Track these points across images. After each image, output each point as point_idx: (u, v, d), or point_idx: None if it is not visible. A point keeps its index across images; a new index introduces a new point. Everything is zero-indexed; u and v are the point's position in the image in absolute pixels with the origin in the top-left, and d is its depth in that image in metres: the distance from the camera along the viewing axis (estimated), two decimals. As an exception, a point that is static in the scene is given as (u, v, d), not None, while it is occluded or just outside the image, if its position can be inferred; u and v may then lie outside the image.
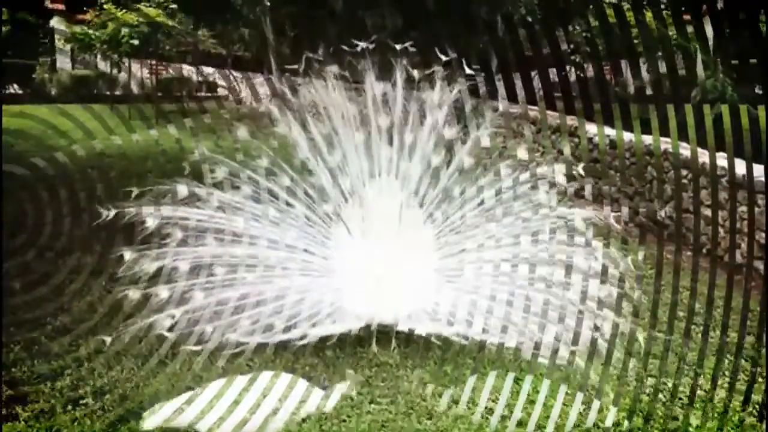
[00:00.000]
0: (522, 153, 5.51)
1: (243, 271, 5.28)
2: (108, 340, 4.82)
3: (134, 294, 5.01)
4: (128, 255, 5.09)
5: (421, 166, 5.48)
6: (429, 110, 5.46)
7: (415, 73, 5.45)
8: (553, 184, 5.40)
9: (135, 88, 20.83)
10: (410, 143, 5.48)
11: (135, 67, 20.43)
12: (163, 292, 5.03)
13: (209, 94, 21.67)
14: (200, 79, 22.18)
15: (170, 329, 4.91)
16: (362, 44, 5.33)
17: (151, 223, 5.16)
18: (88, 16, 17.73)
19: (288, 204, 5.51)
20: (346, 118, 5.47)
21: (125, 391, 4.58)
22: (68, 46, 20.89)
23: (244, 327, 5.06)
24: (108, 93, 19.67)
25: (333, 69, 5.42)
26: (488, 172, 5.51)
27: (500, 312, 5.17)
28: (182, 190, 5.29)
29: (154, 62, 19.56)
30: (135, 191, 5.20)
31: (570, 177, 5.45)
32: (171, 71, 20.66)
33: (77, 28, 18.36)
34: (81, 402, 4.43)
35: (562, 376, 4.84)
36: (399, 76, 5.43)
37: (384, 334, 5.19)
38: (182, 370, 4.82)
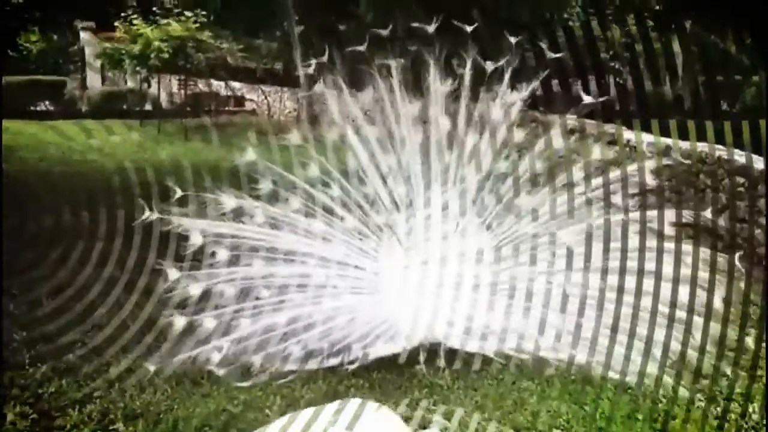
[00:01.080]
0: (597, 153, 4.98)
1: (291, 292, 4.89)
2: (152, 368, 4.39)
3: (180, 321, 4.59)
4: (173, 273, 4.69)
5: (482, 171, 5.03)
6: (497, 109, 5.01)
7: (488, 64, 5.00)
8: (631, 187, 4.89)
9: (164, 103, 20.77)
10: (472, 147, 5.02)
11: (164, 83, 20.42)
12: (209, 321, 4.64)
13: (238, 108, 21.62)
14: (229, 93, 22.12)
15: (219, 363, 4.51)
16: (428, 27, 4.92)
17: (196, 239, 4.78)
18: (117, 33, 17.61)
19: (338, 216, 5.09)
20: (404, 120, 5.04)
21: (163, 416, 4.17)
22: (98, 62, 20.87)
23: (293, 354, 4.67)
24: (138, 108, 19.60)
25: (394, 63, 5.01)
26: (558, 177, 5.00)
27: (568, 326, 4.73)
28: (228, 201, 4.90)
29: (182, 77, 19.50)
30: (177, 191, 4.82)
31: (653, 175, 4.92)
32: (200, 86, 20.58)
33: (107, 44, 18.29)
34: (111, 428, 4.02)
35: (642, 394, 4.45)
36: (467, 69, 4.98)
37: (434, 352, 4.77)
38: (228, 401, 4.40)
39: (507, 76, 4.96)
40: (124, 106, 20.20)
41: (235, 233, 4.87)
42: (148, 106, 20.30)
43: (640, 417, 4.32)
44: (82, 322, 5.06)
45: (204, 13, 16.58)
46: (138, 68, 17.92)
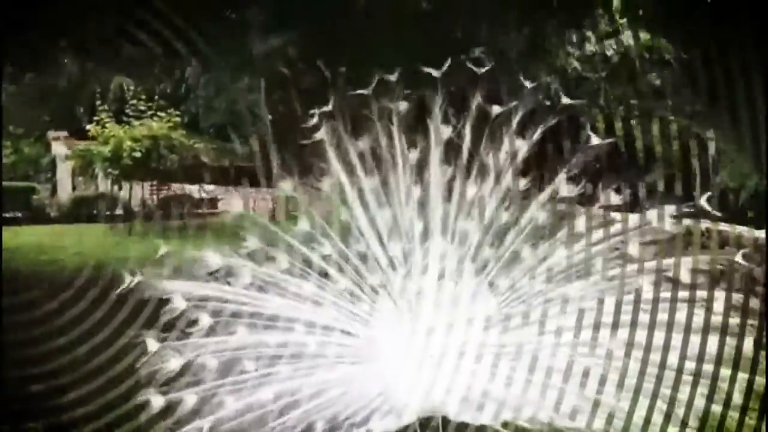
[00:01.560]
0: (609, 198, 4.61)
1: (279, 363, 4.43)
2: None
3: (157, 401, 4.11)
4: (152, 344, 4.23)
5: (483, 224, 4.68)
6: (500, 156, 4.69)
7: (494, 108, 4.71)
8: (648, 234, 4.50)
9: (135, 207, 20.37)
10: (472, 197, 4.68)
11: (136, 187, 20.12)
12: (190, 398, 4.15)
13: (212, 210, 21.28)
14: (203, 195, 21.84)
15: None
16: (434, 71, 4.65)
17: (179, 303, 4.34)
18: (90, 132, 17.40)
19: (327, 277, 4.69)
20: (401, 169, 4.73)
21: None
22: (69, 166, 20.57)
23: None
24: (108, 213, 19.17)
25: (395, 107, 4.72)
26: (566, 227, 4.64)
27: (581, 390, 4.30)
28: (213, 259, 4.48)
29: (154, 183, 19.25)
30: (162, 248, 4.46)
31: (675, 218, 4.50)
32: (173, 189, 20.30)
33: (80, 145, 18.06)
34: None
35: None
36: (470, 114, 4.70)
37: (435, 428, 4.33)
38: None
39: (515, 121, 4.67)
40: (94, 211, 19.77)
41: (219, 296, 4.44)
42: (118, 211, 19.90)
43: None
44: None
45: (177, 113, 16.47)
46: (110, 170, 17.59)
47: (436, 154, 4.67)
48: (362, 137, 4.75)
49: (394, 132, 4.70)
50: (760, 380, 4.16)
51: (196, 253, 4.50)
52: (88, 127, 17.55)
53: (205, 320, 4.38)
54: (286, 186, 4.77)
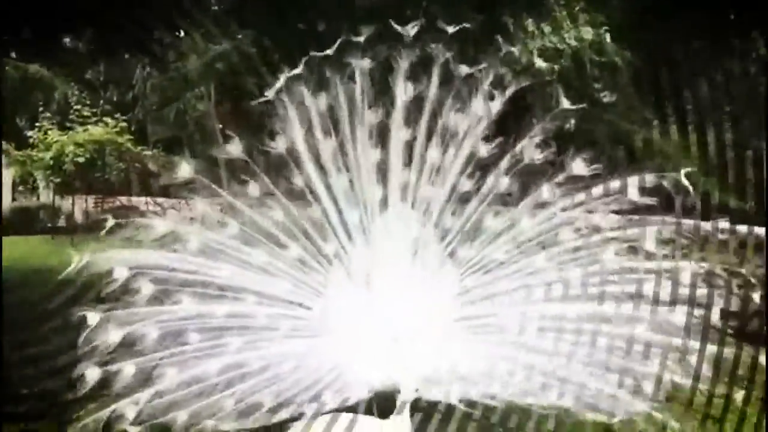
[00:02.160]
0: (579, 167, 4.31)
1: (226, 335, 4.09)
2: None
3: (92, 373, 3.76)
4: (92, 318, 3.83)
5: (444, 190, 4.42)
6: (465, 120, 4.41)
7: (462, 69, 4.39)
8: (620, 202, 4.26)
9: (79, 219, 19.72)
10: (434, 162, 4.42)
11: (79, 200, 19.49)
12: (128, 369, 3.82)
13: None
14: (150, 207, 21.28)
15: (135, 421, 3.70)
16: (404, 30, 4.32)
17: (120, 274, 3.99)
18: (31, 139, 16.80)
19: (280, 245, 4.35)
20: (360, 132, 4.41)
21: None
22: (9, 174, 19.82)
23: (225, 409, 3.85)
24: (50, 225, 18.53)
25: (359, 65, 4.36)
26: (532, 195, 4.36)
27: (547, 365, 4.10)
28: (159, 225, 4.15)
29: (99, 196, 18.68)
30: (110, 221, 4.11)
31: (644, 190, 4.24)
32: (119, 201, 19.71)
33: (18, 152, 17.42)
34: None
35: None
36: (436, 73, 4.38)
37: (391, 402, 4.03)
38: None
39: (486, 84, 4.40)
40: (35, 223, 19.08)
41: (165, 263, 4.12)
42: (61, 222, 19.24)
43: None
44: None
45: (125, 118, 16.03)
46: (51, 178, 16.99)
47: (398, 116, 4.38)
48: (321, 96, 4.42)
49: (356, 92, 4.39)
50: (728, 351, 4.03)
51: (143, 220, 4.17)
52: (29, 133, 16.98)
53: (147, 288, 4.04)
54: (233, 148, 4.35)
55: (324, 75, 4.40)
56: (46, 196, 20.01)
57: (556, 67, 9.19)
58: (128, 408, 3.70)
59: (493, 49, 4.75)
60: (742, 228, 5.87)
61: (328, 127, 4.41)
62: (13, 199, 21.10)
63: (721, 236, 4.26)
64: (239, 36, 12.22)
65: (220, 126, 17.03)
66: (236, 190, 4.35)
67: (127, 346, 3.85)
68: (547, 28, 9.82)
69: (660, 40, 10.42)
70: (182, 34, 15.39)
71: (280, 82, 4.36)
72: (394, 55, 4.33)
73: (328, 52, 4.38)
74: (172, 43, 15.59)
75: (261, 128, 4.46)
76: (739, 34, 11.20)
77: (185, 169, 4.26)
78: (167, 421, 3.73)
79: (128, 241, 4.11)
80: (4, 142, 19.43)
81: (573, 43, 9.85)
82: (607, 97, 11.06)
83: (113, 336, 3.83)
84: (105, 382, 3.76)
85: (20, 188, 21.15)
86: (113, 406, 3.67)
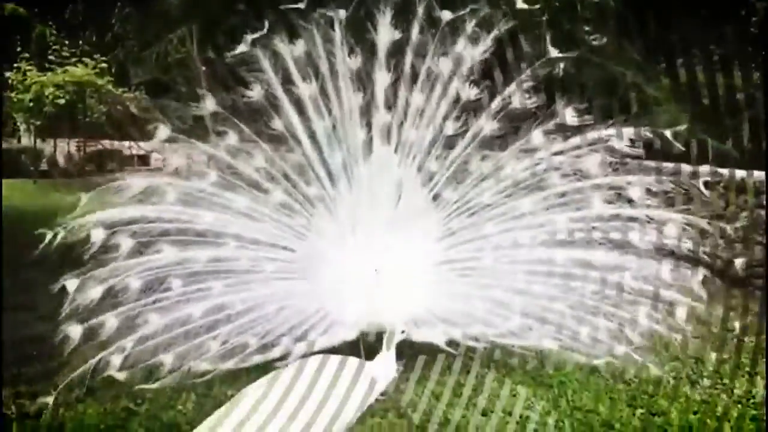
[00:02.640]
0: (569, 116, 4.32)
1: (208, 280, 4.11)
2: (50, 401, 3.60)
3: (75, 330, 3.77)
4: (71, 284, 3.86)
5: (429, 134, 4.40)
6: (449, 64, 4.38)
7: (444, 14, 4.36)
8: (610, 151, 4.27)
9: (61, 163, 19.43)
10: (417, 106, 4.38)
11: (61, 143, 19.15)
12: (110, 320, 3.83)
13: (143, 167, 20.37)
14: (133, 152, 20.97)
15: (122, 367, 3.75)
16: None
17: (97, 236, 3.99)
18: (10, 80, 16.34)
19: (262, 190, 4.36)
20: (341, 77, 4.36)
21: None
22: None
23: (210, 350, 3.88)
24: (32, 168, 18.22)
25: (337, 14, 4.37)
26: (519, 139, 4.36)
27: (531, 308, 4.18)
28: (135, 182, 4.13)
29: (81, 139, 18.37)
30: (83, 198, 4.12)
31: (635, 141, 4.27)
32: (101, 145, 19.38)
33: (-5, 93, 17.00)
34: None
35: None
36: (419, 17, 4.33)
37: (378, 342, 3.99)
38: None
39: (469, 28, 4.36)
40: (17, 166, 18.75)
41: (143, 216, 4.10)
42: (43, 167, 18.94)
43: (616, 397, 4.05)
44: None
45: (105, 59, 15.61)
46: (32, 121, 16.64)
47: (380, 60, 4.34)
48: (298, 43, 4.39)
49: (336, 38, 4.35)
50: (700, 306, 4.16)
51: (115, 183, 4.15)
52: (7, 75, 16.53)
53: (127, 243, 4.05)
54: (210, 102, 4.39)
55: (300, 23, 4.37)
56: (27, 139, 19.66)
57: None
58: (114, 356, 3.73)
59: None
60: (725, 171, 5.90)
61: (307, 73, 4.37)
62: (-6, 142, 20.73)
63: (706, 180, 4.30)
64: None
65: (204, 68, 16.70)
66: (215, 140, 4.34)
67: (110, 298, 3.88)
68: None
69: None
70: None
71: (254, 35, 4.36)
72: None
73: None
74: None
75: (238, 78, 4.39)
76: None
77: (163, 132, 4.32)
78: (153, 364, 3.77)
79: (106, 203, 4.11)
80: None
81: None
82: (597, 41, 10.88)
83: (94, 293, 3.85)
84: (89, 335, 3.78)
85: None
86: (99, 355, 3.69)
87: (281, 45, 4.37)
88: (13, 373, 4.15)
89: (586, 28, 10.90)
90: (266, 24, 4.37)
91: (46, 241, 3.90)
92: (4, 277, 5.41)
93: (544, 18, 8.89)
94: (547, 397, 4.02)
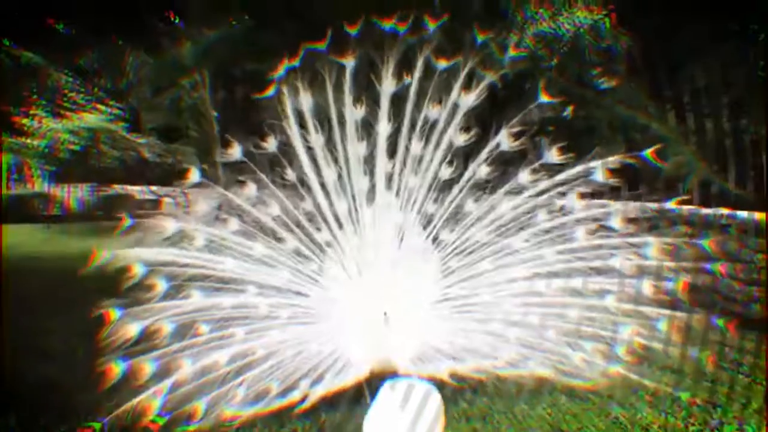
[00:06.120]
0: (553, 156, 4.65)
1: (232, 326, 4.40)
2: (97, 427, 3.89)
3: (116, 367, 4.03)
4: (114, 313, 4.15)
5: (427, 180, 4.72)
6: (443, 111, 4.70)
7: (441, 63, 4.67)
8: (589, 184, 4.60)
9: (74, 207, 19.61)
10: (416, 153, 4.71)
11: (74, 189, 19.34)
12: (147, 363, 4.11)
13: (154, 211, 20.35)
14: (145, 196, 21.16)
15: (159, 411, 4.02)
16: (386, 27, 4.57)
17: (139, 270, 4.29)
18: (24, 127, 16.58)
19: (278, 238, 4.66)
20: (349, 127, 4.67)
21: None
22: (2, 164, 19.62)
23: (238, 396, 4.18)
24: (44, 213, 18.39)
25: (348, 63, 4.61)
26: (508, 181, 4.70)
27: (527, 337, 4.52)
28: (169, 225, 4.44)
29: (95, 183, 18.56)
30: (127, 220, 4.36)
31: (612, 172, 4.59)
32: (114, 190, 19.57)
33: (12, 141, 17.23)
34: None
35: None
36: (418, 70, 4.64)
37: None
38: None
39: (462, 75, 4.66)
40: (30, 212, 18.92)
41: (175, 260, 4.40)
42: (56, 212, 19.11)
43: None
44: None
45: (119, 105, 15.85)
46: (46, 166, 16.85)
47: (383, 110, 4.63)
48: (308, 94, 4.69)
49: (345, 89, 4.64)
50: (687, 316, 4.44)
51: (150, 221, 4.44)
52: (23, 121, 16.77)
53: (162, 285, 4.34)
54: (232, 151, 4.66)
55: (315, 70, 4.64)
56: (40, 184, 19.87)
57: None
58: (152, 399, 3.98)
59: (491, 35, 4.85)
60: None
61: (317, 123, 4.67)
62: (7, 188, 20.93)
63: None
64: (234, 23, 12.13)
65: (215, 114, 16.92)
66: (235, 188, 4.66)
67: (145, 342, 4.13)
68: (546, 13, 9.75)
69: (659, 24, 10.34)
70: (176, 20, 15.26)
71: (281, 72, 4.65)
72: (379, 53, 4.57)
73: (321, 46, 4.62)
74: (167, 29, 15.46)
75: (255, 127, 4.74)
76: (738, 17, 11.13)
77: (195, 175, 4.61)
78: (188, 410, 4.03)
79: (137, 240, 4.36)
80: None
81: (571, 27, 9.77)
82: (605, 83, 11.01)
83: (131, 330, 4.11)
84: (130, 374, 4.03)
85: (14, 176, 20.99)
86: (140, 396, 3.96)
87: (300, 91, 4.66)
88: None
89: (595, 73, 11.07)
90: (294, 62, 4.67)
91: (97, 261, 4.09)
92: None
93: (552, 63, 9.07)
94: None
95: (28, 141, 16.60)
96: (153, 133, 19.06)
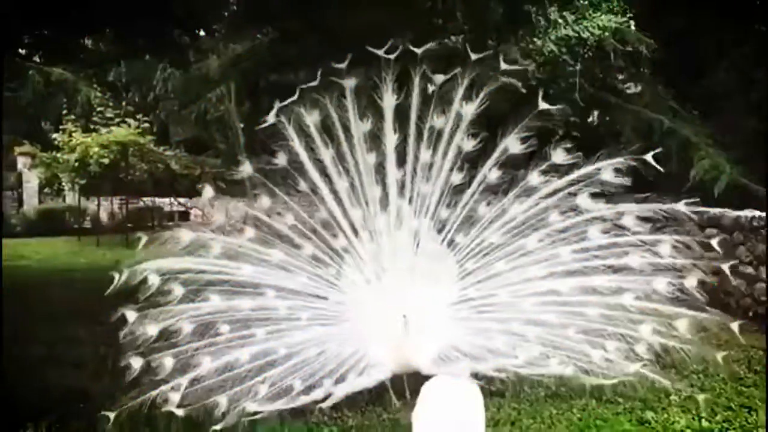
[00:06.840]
0: (559, 156, 4.78)
1: (254, 326, 4.60)
2: (111, 416, 4.05)
3: (136, 362, 4.30)
4: (130, 316, 4.36)
5: (439, 186, 4.88)
6: (448, 120, 4.86)
7: (438, 78, 4.84)
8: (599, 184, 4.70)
9: (104, 220, 19.91)
10: (425, 161, 4.88)
11: (104, 202, 19.63)
12: (167, 359, 4.32)
13: (183, 222, 20.68)
14: (173, 208, 21.42)
15: (180, 404, 4.19)
16: (380, 52, 4.75)
17: (153, 280, 4.47)
18: (56, 142, 16.90)
19: (294, 245, 4.86)
20: (356, 140, 4.87)
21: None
22: (35, 179, 20.03)
23: (261, 393, 4.32)
24: (76, 226, 18.69)
25: (350, 82, 4.84)
26: (518, 183, 4.84)
27: (547, 336, 4.60)
28: (185, 235, 4.64)
29: (124, 197, 18.80)
30: (143, 237, 4.64)
31: (619, 172, 4.68)
32: (143, 201, 19.82)
33: (44, 154, 17.57)
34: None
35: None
36: (416, 84, 4.82)
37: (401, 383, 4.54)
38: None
39: (462, 87, 4.82)
40: (62, 224, 19.26)
41: (192, 267, 4.57)
42: (87, 224, 19.42)
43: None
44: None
45: (147, 119, 16.09)
46: (77, 180, 17.14)
47: (388, 123, 4.81)
48: (315, 112, 4.90)
49: (348, 105, 4.84)
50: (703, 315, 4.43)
51: (167, 233, 4.68)
52: (54, 136, 17.10)
53: (178, 290, 4.50)
54: (247, 168, 4.89)
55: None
56: (71, 197, 20.22)
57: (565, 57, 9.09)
58: (171, 392, 4.16)
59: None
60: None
61: (325, 138, 4.89)
62: (40, 201, 21.35)
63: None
64: (259, 36, 12.23)
65: (241, 125, 17.06)
66: (251, 200, 4.91)
67: (163, 340, 4.34)
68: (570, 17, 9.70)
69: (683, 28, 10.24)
70: (202, 33, 15.44)
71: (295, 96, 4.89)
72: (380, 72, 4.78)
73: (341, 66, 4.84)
74: (193, 43, 15.64)
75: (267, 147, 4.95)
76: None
77: (209, 191, 4.90)
78: (209, 404, 4.18)
79: (157, 251, 4.59)
80: (30, 145, 19.72)
81: (596, 32, 9.69)
82: (631, 89, 10.92)
83: (150, 330, 4.32)
84: (147, 369, 4.26)
85: (46, 190, 21.40)
86: (157, 390, 4.14)
87: (303, 112, 4.88)
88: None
89: (620, 77, 10.97)
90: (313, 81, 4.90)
91: (116, 282, 4.34)
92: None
93: (577, 68, 9.02)
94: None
95: (59, 156, 16.91)
96: (181, 146, 19.30)
